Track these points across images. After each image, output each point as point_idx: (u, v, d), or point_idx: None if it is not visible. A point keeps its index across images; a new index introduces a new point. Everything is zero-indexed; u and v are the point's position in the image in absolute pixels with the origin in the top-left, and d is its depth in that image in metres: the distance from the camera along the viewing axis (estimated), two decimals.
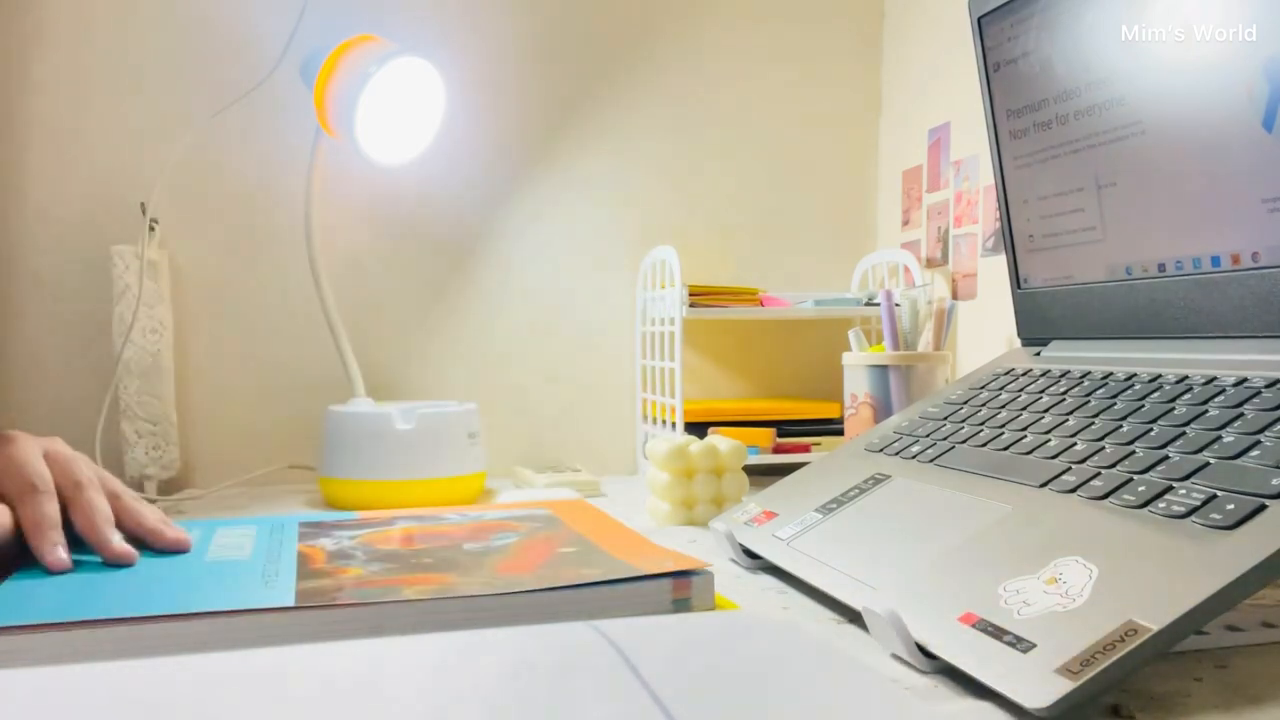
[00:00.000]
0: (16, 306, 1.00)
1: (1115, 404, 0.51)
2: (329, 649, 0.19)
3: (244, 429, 1.05)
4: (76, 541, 0.48)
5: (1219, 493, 0.37)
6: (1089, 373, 0.57)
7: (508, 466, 1.09)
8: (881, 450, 0.61)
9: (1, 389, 0.98)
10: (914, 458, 0.58)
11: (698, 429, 1.00)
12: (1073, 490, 0.43)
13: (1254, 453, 0.39)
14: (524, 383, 1.15)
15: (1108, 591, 0.34)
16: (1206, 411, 0.45)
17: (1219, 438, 0.42)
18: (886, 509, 0.51)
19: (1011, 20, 0.66)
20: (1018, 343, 0.71)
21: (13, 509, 0.47)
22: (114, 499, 0.51)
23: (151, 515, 0.51)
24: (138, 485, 0.96)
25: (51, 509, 0.47)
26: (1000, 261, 1.00)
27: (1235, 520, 0.35)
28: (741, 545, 0.57)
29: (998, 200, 0.70)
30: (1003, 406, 0.59)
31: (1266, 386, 0.45)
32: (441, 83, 0.97)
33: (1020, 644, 0.33)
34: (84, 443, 0.89)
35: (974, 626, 0.36)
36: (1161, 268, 0.57)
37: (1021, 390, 0.60)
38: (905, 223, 1.21)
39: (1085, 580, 0.36)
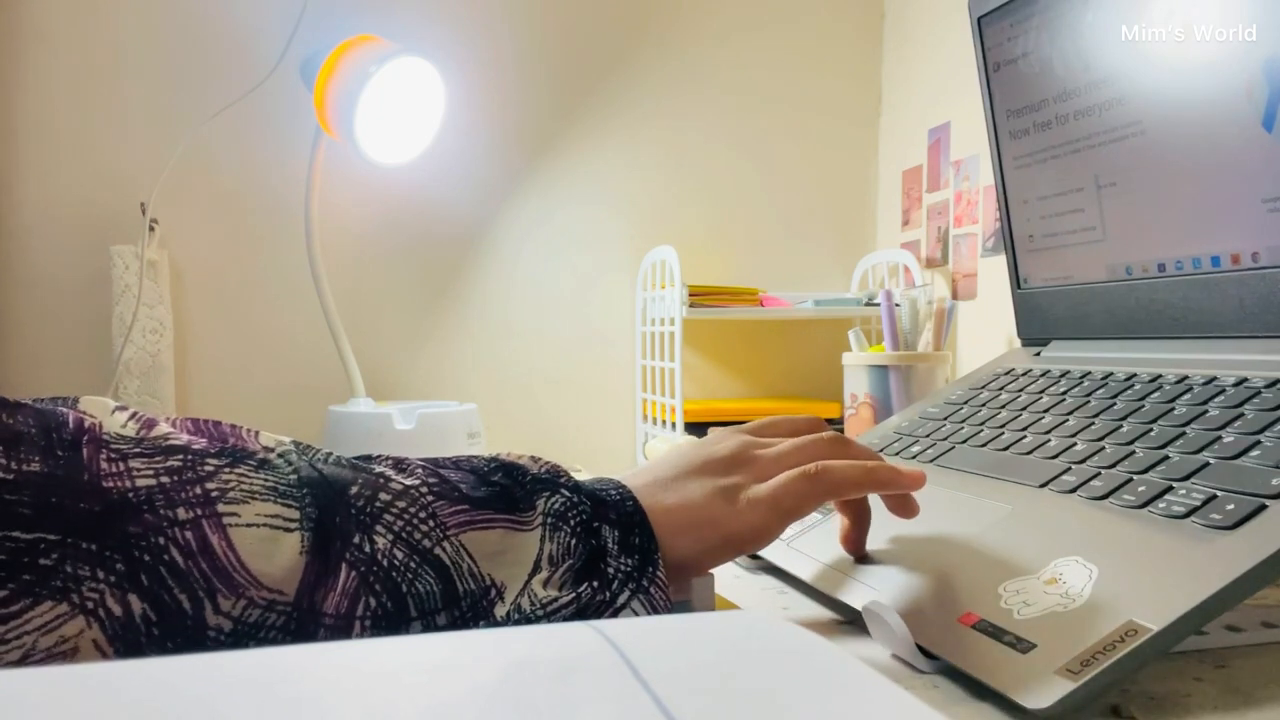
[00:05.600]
0: (16, 306, 1.00)
1: (1115, 404, 0.51)
2: (327, 648, 0.19)
3: None
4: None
5: (1219, 493, 0.37)
6: (1089, 373, 0.57)
7: None
8: (881, 450, 0.61)
9: (2, 389, 0.98)
10: (914, 458, 0.58)
11: (698, 429, 1.00)
12: (1073, 490, 0.43)
13: (1254, 453, 0.39)
14: (524, 383, 1.15)
15: (1108, 591, 0.34)
16: (1206, 411, 0.45)
17: (1219, 438, 0.42)
18: (886, 512, 0.51)
19: (1011, 20, 0.66)
20: (1018, 343, 0.71)
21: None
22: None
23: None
24: None
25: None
26: (1000, 261, 1.00)
27: (1235, 520, 0.35)
28: None
29: (998, 200, 0.70)
30: (1003, 407, 0.59)
31: (1266, 386, 0.45)
32: (441, 83, 0.97)
33: (1020, 644, 0.33)
34: None
35: (974, 626, 0.36)
36: (1161, 268, 0.57)
37: (1021, 390, 0.60)
38: (905, 223, 1.21)
39: (1085, 580, 0.36)
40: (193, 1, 1.03)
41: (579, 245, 1.16)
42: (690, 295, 1.01)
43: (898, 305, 0.89)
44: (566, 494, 0.37)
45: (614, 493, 0.39)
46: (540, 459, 0.40)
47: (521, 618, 0.33)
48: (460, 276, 1.13)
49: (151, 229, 0.98)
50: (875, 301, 1.09)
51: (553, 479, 0.38)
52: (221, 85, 1.02)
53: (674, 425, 1.01)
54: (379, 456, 0.37)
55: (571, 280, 1.16)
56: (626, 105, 1.17)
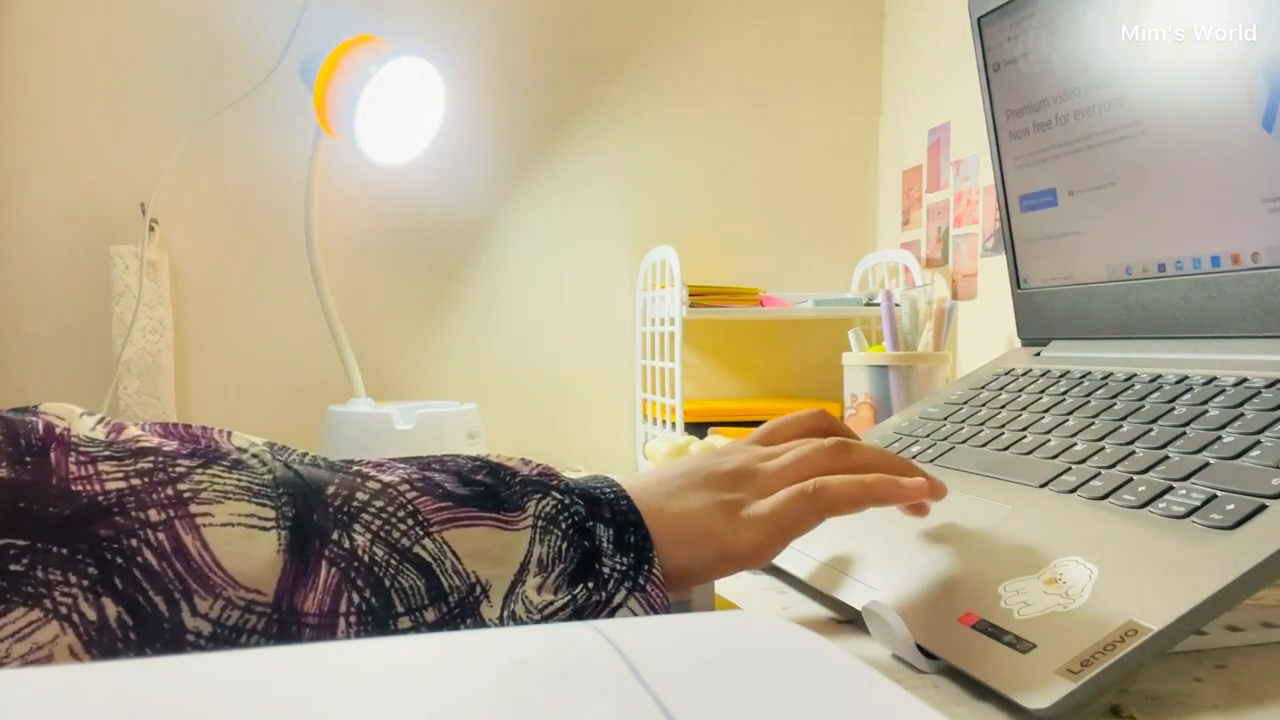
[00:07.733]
0: (16, 306, 1.00)
1: (1115, 404, 0.51)
2: (325, 648, 0.19)
3: (244, 429, 1.04)
4: None
5: (1219, 493, 0.37)
6: (1089, 373, 0.57)
7: None
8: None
9: (1, 389, 0.98)
10: (914, 458, 0.58)
11: (698, 429, 1.00)
12: (1073, 490, 0.43)
13: (1254, 453, 0.39)
14: (524, 383, 1.15)
15: (1108, 591, 0.34)
16: (1206, 412, 0.45)
17: (1219, 438, 0.42)
18: (886, 509, 0.51)
19: (1011, 20, 0.66)
20: (1018, 343, 0.71)
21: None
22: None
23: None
24: None
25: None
26: (1000, 261, 1.00)
27: (1235, 520, 0.35)
28: None
29: (998, 200, 0.70)
30: (1003, 407, 0.59)
31: (1266, 386, 0.45)
32: (441, 83, 0.97)
33: (1020, 644, 0.33)
34: None
35: (974, 626, 0.36)
36: (1161, 268, 0.57)
37: (1021, 390, 0.60)
38: (905, 223, 1.21)
39: (1085, 580, 0.36)
40: (193, 1, 1.03)
41: (579, 245, 1.16)
42: (690, 295, 1.01)
43: (898, 305, 0.89)
44: (558, 496, 0.37)
45: (608, 491, 0.38)
46: (531, 461, 0.39)
47: (517, 624, 0.33)
48: (460, 276, 1.13)
49: (151, 229, 0.98)
50: (875, 301, 1.09)
51: (544, 481, 0.37)
52: (221, 85, 1.02)
53: (674, 425, 1.01)
54: (361, 461, 0.37)
55: (571, 280, 1.16)
56: (626, 105, 1.17)
